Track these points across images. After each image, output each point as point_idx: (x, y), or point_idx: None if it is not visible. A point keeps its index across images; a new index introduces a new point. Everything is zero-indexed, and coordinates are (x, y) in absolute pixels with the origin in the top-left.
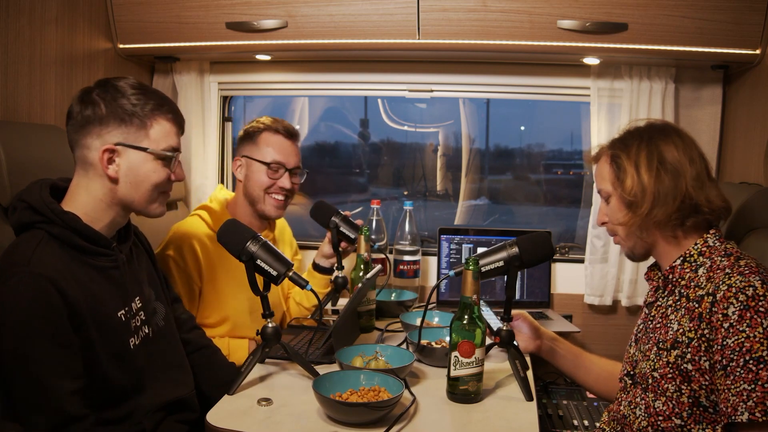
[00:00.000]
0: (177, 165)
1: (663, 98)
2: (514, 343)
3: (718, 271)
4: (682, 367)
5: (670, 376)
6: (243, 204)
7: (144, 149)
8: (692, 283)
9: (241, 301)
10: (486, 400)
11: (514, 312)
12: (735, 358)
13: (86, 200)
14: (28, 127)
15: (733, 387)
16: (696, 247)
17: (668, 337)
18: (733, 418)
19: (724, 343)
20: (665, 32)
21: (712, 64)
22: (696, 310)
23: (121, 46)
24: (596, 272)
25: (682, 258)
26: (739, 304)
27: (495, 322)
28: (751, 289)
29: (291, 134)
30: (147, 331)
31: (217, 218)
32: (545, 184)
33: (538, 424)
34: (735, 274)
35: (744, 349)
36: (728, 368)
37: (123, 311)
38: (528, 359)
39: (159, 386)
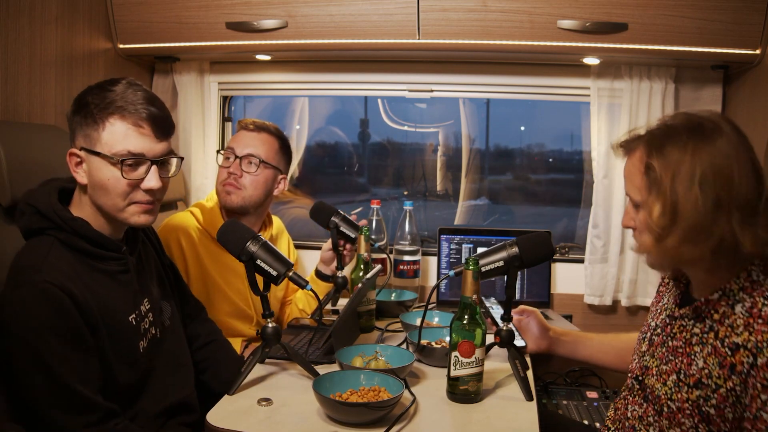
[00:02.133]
0: (147, 172)
1: (663, 98)
2: (515, 343)
3: (759, 321)
4: (703, 409)
5: (688, 412)
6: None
7: (98, 153)
8: (726, 321)
9: (231, 302)
10: (486, 400)
11: (525, 308)
12: (764, 429)
13: (82, 205)
14: (28, 127)
15: None
16: (738, 281)
17: (691, 373)
18: None
19: (758, 414)
20: (665, 32)
21: (712, 64)
22: (728, 359)
23: (121, 46)
24: (596, 272)
25: (721, 292)
26: None
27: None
28: None
29: (247, 125)
30: (154, 332)
31: (209, 216)
32: (545, 184)
33: (538, 424)
34: None
35: None
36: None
37: (133, 315)
38: (528, 359)
39: (162, 387)
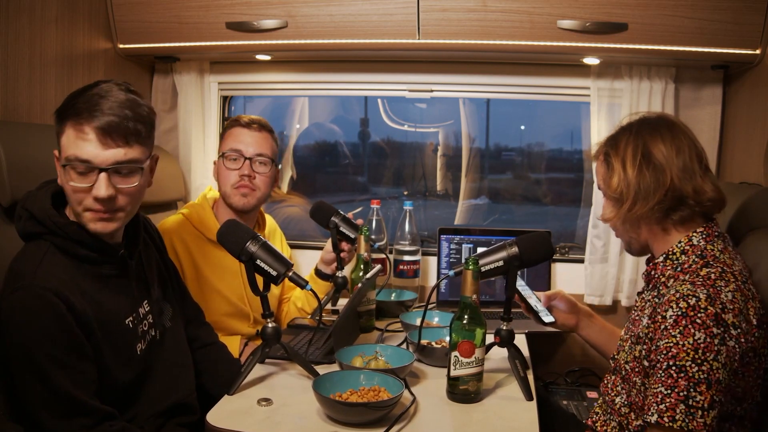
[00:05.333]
0: (91, 180)
1: (663, 98)
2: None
3: (686, 275)
4: (644, 363)
5: (637, 369)
6: (222, 205)
7: (57, 158)
8: (668, 282)
9: (227, 301)
10: (486, 399)
11: (548, 292)
12: (661, 360)
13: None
14: (28, 127)
15: (652, 387)
16: (680, 245)
17: (638, 333)
18: (644, 417)
19: (657, 344)
20: (665, 32)
21: (712, 64)
22: (657, 309)
23: (121, 46)
24: (596, 272)
25: (664, 255)
26: (678, 309)
27: (539, 306)
28: (693, 299)
29: (249, 124)
30: (154, 333)
31: (201, 216)
32: (545, 183)
33: (538, 424)
34: (687, 282)
35: (670, 353)
36: (654, 368)
37: (131, 318)
38: (528, 359)
39: (161, 388)
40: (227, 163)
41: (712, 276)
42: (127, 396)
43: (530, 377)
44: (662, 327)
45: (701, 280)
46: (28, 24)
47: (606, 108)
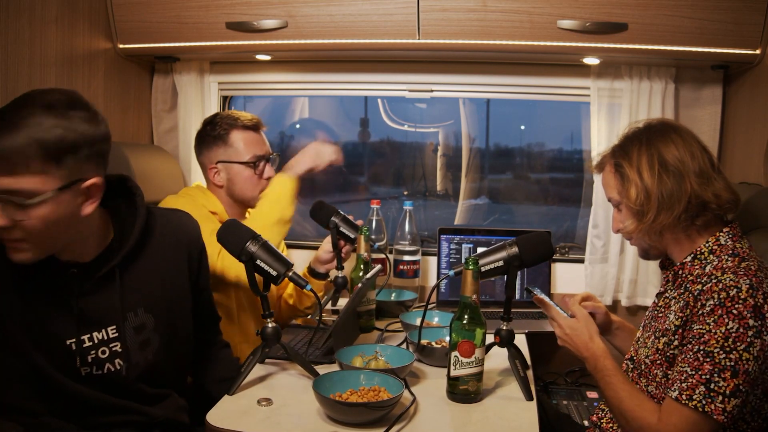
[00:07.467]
0: None
1: (663, 98)
2: (514, 342)
3: (719, 271)
4: (668, 354)
5: (658, 362)
6: (230, 205)
7: None
8: (698, 279)
9: (257, 319)
10: (486, 399)
11: (578, 296)
12: (692, 342)
13: None
14: None
15: (679, 366)
16: (708, 245)
17: (664, 327)
18: (667, 391)
19: (692, 326)
20: (665, 32)
21: (712, 64)
22: (689, 302)
23: (121, 46)
24: (596, 272)
25: (692, 255)
26: (718, 299)
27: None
28: (734, 290)
29: (257, 126)
30: (118, 366)
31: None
32: (545, 183)
33: (538, 424)
34: (729, 273)
35: (702, 339)
36: (684, 348)
37: (73, 340)
38: (528, 359)
39: (140, 408)
40: (270, 172)
41: (753, 268)
42: (95, 410)
43: (530, 377)
44: (699, 313)
45: (743, 270)
46: (28, 24)
47: (606, 108)
